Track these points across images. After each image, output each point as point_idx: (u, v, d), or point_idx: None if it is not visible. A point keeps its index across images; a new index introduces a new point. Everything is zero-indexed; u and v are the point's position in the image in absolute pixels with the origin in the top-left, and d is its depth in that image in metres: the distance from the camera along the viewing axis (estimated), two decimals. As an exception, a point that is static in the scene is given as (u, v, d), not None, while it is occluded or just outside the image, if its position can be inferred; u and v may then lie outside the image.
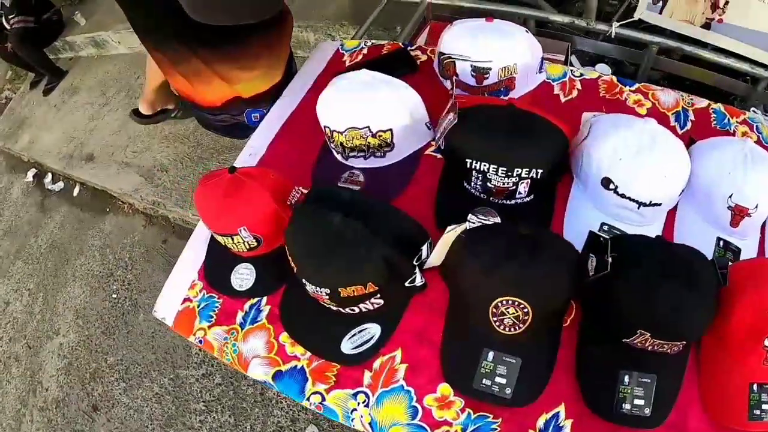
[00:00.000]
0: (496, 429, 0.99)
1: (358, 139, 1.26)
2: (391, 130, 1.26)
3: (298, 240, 1.06)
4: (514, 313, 0.95)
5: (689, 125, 1.32)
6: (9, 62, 5.49)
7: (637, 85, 1.40)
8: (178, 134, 3.83)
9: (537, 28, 2.07)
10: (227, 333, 1.20)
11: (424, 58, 1.62)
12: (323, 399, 1.08)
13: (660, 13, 1.70)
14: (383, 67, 1.35)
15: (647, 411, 0.92)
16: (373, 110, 1.25)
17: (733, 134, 1.30)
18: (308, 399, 1.08)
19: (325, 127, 1.31)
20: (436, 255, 1.09)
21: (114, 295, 3.36)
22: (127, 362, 3.01)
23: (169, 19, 1.43)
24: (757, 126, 1.32)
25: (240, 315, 1.22)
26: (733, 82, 1.79)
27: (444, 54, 1.41)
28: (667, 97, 1.36)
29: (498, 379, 0.98)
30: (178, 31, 1.49)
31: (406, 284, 1.08)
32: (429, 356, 1.07)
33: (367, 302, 1.06)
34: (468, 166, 1.17)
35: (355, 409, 1.06)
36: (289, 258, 1.08)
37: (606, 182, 1.11)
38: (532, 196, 1.19)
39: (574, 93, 1.42)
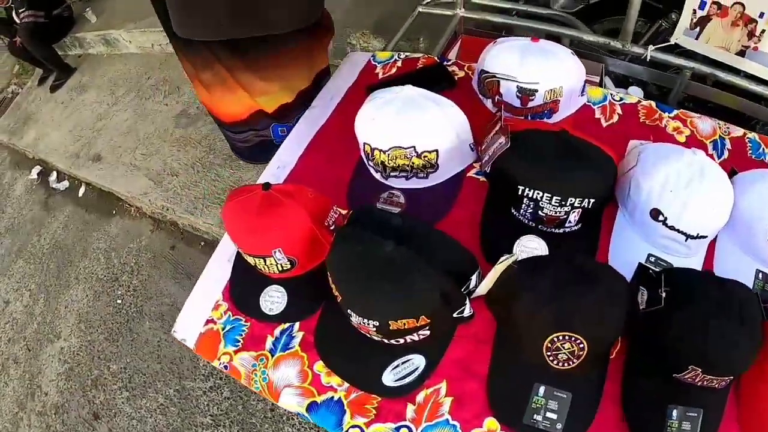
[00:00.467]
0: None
1: (402, 158, 1.21)
2: (437, 150, 1.21)
3: (345, 268, 1.00)
4: (569, 349, 0.92)
5: (726, 154, 1.29)
6: (17, 57, 5.42)
7: (675, 112, 1.36)
8: (190, 138, 3.77)
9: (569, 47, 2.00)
10: (255, 359, 1.14)
11: (461, 74, 1.57)
12: (363, 432, 1.03)
13: (696, 38, 1.66)
14: (421, 82, 1.29)
15: (692, 444, 0.90)
16: (420, 129, 1.19)
17: (768, 165, 1.27)
18: (346, 432, 1.03)
19: (364, 143, 1.26)
20: (485, 284, 1.05)
21: (119, 301, 3.28)
22: (131, 371, 2.93)
23: None
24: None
25: (270, 341, 1.16)
26: (757, 107, 1.75)
27: (487, 72, 1.36)
28: (705, 125, 1.34)
29: (549, 414, 0.95)
30: None
31: (455, 315, 1.02)
32: (475, 389, 1.03)
33: (415, 334, 1.00)
34: (519, 192, 1.12)
35: (397, 444, 1.01)
36: (333, 287, 1.02)
37: (655, 213, 1.08)
38: (579, 225, 1.15)
39: (615, 118, 1.39)
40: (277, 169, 1.45)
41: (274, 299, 1.18)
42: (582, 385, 0.96)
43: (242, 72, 1.52)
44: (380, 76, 1.62)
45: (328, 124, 1.53)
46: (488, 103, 1.42)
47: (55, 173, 4.47)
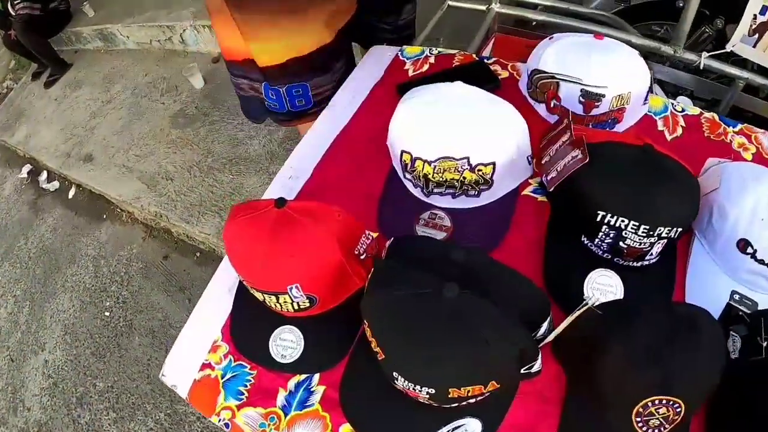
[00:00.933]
0: None
1: (451, 172, 1.00)
2: (494, 163, 1.00)
3: (390, 320, 0.77)
4: (664, 414, 0.74)
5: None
6: (12, 50, 5.36)
7: (740, 126, 1.21)
8: (186, 139, 3.63)
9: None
10: (264, 418, 0.93)
11: (504, 74, 1.36)
12: None
13: (754, 46, 1.53)
14: (462, 81, 1.09)
15: None
16: (477, 137, 0.99)
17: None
18: None
19: (402, 151, 1.05)
20: (556, 332, 0.86)
21: (107, 313, 3.12)
22: (119, 390, 2.76)
23: None
24: None
25: (282, 395, 0.94)
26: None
27: (543, 72, 1.17)
28: None
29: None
30: None
31: (522, 371, 0.82)
32: (542, 461, 0.83)
33: (475, 398, 0.79)
34: (597, 219, 0.92)
35: None
36: (372, 340, 0.79)
37: (743, 245, 0.92)
38: (659, 258, 0.96)
39: (679, 131, 1.22)
40: (289, 179, 1.25)
41: (287, 343, 0.97)
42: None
43: (235, 7, 1.35)
44: (410, 73, 1.42)
45: (350, 126, 1.33)
46: (540, 109, 1.23)
47: (45, 173, 4.35)
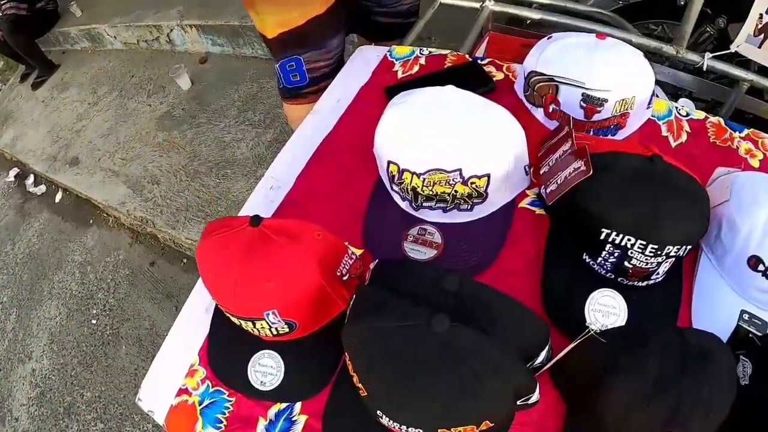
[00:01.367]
0: None
1: (441, 185, 0.92)
2: (488, 175, 0.92)
3: (373, 355, 0.69)
4: None
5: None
6: None
7: (746, 131, 1.16)
8: (173, 142, 3.56)
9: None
10: (244, 448, 0.87)
11: (499, 76, 1.29)
12: None
13: (759, 47, 1.47)
14: (453, 84, 1.02)
15: None
16: (469, 148, 0.91)
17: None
18: None
19: (389, 162, 0.97)
20: (555, 360, 0.79)
21: (93, 321, 3.05)
22: (106, 400, 2.70)
23: None
24: None
25: (262, 424, 0.88)
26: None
27: (542, 74, 1.09)
28: None
29: None
30: None
31: (519, 403, 0.74)
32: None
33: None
34: (601, 237, 0.85)
35: None
36: (353, 375, 0.72)
37: (754, 263, 0.87)
38: (665, 276, 0.90)
39: (684, 137, 1.16)
40: (270, 189, 1.17)
41: (266, 369, 0.90)
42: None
43: None
44: (400, 75, 1.35)
45: (336, 132, 1.25)
46: (538, 113, 1.16)
47: (32, 176, 4.27)
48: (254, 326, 0.84)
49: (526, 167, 1.02)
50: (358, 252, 0.98)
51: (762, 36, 1.44)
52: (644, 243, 0.82)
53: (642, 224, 0.82)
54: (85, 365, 2.88)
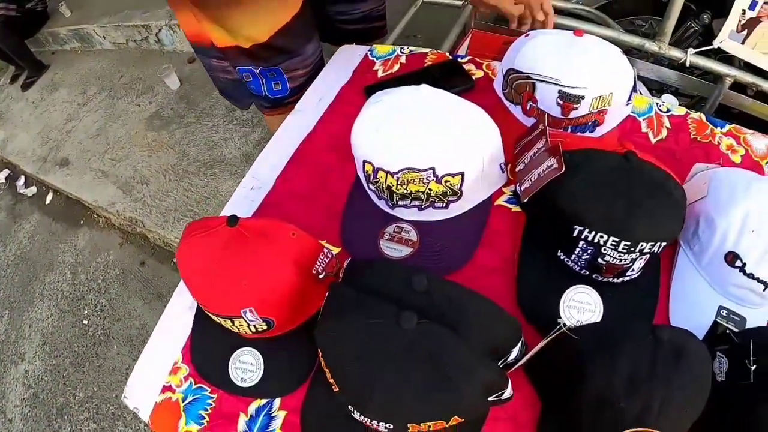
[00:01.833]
0: None
1: (415, 183, 0.93)
2: (462, 173, 0.92)
3: (343, 351, 0.71)
4: None
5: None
6: None
7: (727, 127, 1.17)
8: (162, 142, 3.54)
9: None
10: (226, 443, 0.88)
11: (479, 74, 1.30)
12: None
13: (742, 43, 1.51)
14: (430, 82, 1.02)
15: None
16: (443, 146, 0.92)
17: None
18: None
19: (364, 161, 0.97)
20: (527, 357, 0.80)
21: (85, 321, 3.04)
22: (98, 400, 2.70)
23: None
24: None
25: (243, 420, 0.90)
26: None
27: (519, 72, 1.09)
28: (758, 143, 1.16)
29: None
30: None
31: (490, 399, 0.75)
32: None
33: (440, 429, 0.74)
34: (574, 234, 0.85)
35: None
36: (326, 371, 0.73)
37: (731, 258, 0.88)
38: (640, 272, 0.91)
39: (664, 132, 1.18)
40: (251, 190, 1.18)
41: (246, 366, 0.91)
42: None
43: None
44: (380, 74, 1.35)
45: (316, 132, 1.26)
46: (516, 111, 1.15)
47: (23, 178, 4.23)
48: (233, 324, 0.85)
49: (502, 165, 1.02)
50: (336, 250, 0.98)
51: (745, 32, 1.46)
52: (617, 240, 0.83)
53: (614, 221, 0.83)
54: (77, 366, 2.88)
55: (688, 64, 1.52)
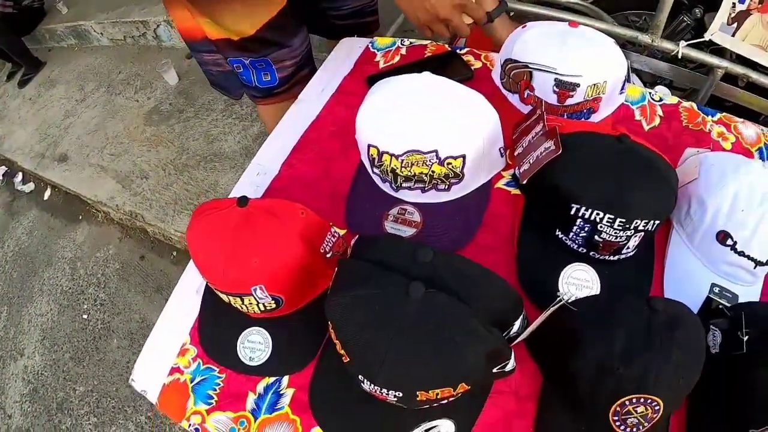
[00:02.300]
0: None
1: (419, 166, 0.96)
2: (463, 156, 0.96)
3: (354, 322, 0.73)
4: (642, 413, 0.73)
5: (771, 164, 1.13)
6: None
7: (718, 115, 1.20)
8: (161, 137, 3.55)
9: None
10: (234, 422, 0.90)
11: (477, 64, 1.34)
12: None
13: (732, 35, 1.52)
14: (432, 72, 1.05)
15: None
16: (444, 129, 0.95)
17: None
18: None
19: (369, 146, 1.00)
20: (530, 329, 0.82)
21: (84, 316, 3.04)
22: (99, 394, 2.70)
23: None
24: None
25: (251, 399, 0.91)
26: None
27: (516, 62, 1.12)
28: (749, 131, 1.18)
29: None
30: None
31: (495, 370, 0.78)
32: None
33: (446, 399, 0.76)
34: (571, 212, 0.89)
35: None
36: (336, 343, 0.76)
37: (722, 237, 0.91)
38: (636, 251, 0.94)
39: (656, 120, 1.21)
40: (257, 176, 1.21)
41: (255, 345, 0.93)
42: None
43: None
44: (381, 65, 1.38)
45: (319, 120, 1.29)
46: (514, 99, 1.19)
47: (20, 174, 4.24)
48: (243, 302, 0.88)
49: (501, 149, 1.05)
50: (342, 233, 1.01)
51: (735, 25, 1.48)
52: (612, 217, 0.86)
53: (609, 198, 0.86)
54: (77, 360, 2.88)
55: (680, 56, 1.55)
